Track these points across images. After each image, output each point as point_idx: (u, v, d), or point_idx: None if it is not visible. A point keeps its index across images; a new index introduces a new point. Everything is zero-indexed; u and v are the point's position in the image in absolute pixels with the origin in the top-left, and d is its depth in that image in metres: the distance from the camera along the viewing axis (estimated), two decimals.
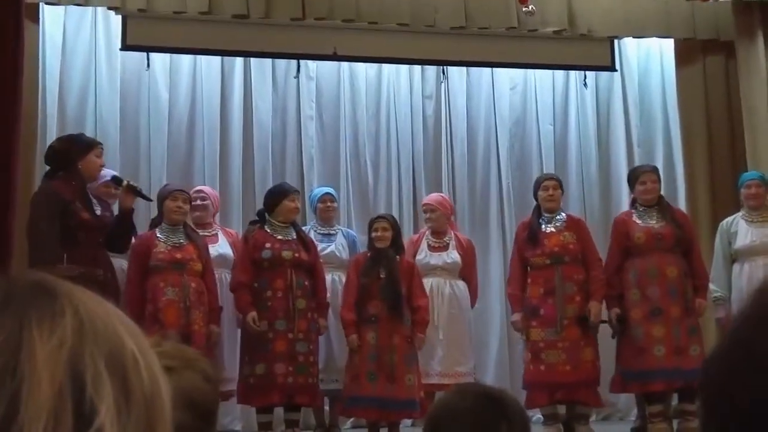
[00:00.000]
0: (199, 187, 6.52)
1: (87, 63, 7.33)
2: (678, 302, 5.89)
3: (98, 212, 5.05)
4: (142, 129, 7.45)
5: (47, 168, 5.21)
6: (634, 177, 6.28)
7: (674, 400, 6.27)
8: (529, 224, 6.19)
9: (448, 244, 6.41)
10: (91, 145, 5.18)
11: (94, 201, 5.11)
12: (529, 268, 6.12)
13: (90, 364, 0.61)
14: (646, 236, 5.99)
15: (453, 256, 6.35)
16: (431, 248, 6.38)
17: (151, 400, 0.63)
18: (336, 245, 6.44)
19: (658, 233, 5.99)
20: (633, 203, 6.29)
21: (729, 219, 6.40)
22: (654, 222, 6.06)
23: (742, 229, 6.26)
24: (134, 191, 5.28)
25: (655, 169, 6.43)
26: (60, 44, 7.24)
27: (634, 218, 6.10)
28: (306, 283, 5.89)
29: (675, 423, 5.94)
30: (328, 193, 6.68)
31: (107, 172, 5.68)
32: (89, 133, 6.90)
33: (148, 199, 5.72)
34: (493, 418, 1.55)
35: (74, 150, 5.05)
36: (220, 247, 6.18)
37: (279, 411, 5.95)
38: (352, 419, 6.65)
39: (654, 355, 5.81)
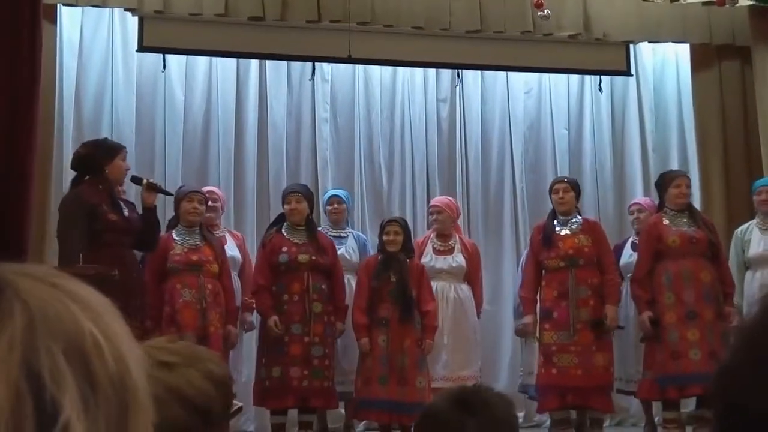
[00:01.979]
0: (210, 188, 6.52)
1: (104, 64, 7.36)
2: (711, 307, 5.85)
3: (125, 214, 5.10)
4: (158, 130, 7.48)
5: (74, 174, 5.26)
6: (666, 181, 6.23)
7: (686, 406, 6.25)
8: (544, 227, 6.19)
9: (453, 247, 6.40)
10: (116, 149, 5.24)
11: (121, 203, 5.16)
12: (543, 270, 6.11)
13: (46, 359, 0.58)
14: (681, 240, 5.95)
15: (458, 259, 6.34)
16: (436, 251, 6.36)
17: (119, 381, 0.60)
18: (347, 248, 6.44)
19: (693, 237, 5.96)
20: (660, 207, 6.23)
21: (743, 226, 6.39)
22: (686, 226, 6.02)
23: (755, 237, 6.24)
24: (155, 188, 5.34)
25: (687, 174, 6.43)
26: (77, 45, 7.28)
27: (665, 222, 6.05)
28: (323, 286, 5.90)
29: (689, 429, 5.91)
30: (335, 195, 6.68)
31: None
32: (105, 134, 6.94)
33: (169, 194, 5.76)
34: (459, 417, 1.58)
35: (100, 155, 5.11)
36: (229, 248, 6.18)
37: (293, 412, 5.96)
38: (364, 422, 6.64)
39: (691, 359, 5.75)
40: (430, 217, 6.57)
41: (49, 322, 0.60)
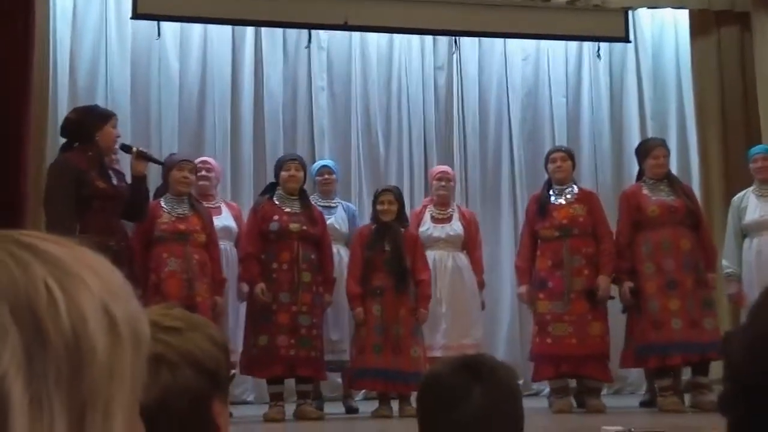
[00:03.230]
0: (204, 158, 6.48)
1: (98, 32, 7.30)
2: (691, 275, 5.86)
3: (114, 182, 5.05)
4: (153, 99, 7.43)
5: (64, 140, 5.20)
6: (644, 150, 6.23)
7: (685, 373, 6.26)
8: (539, 197, 6.18)
9: (451, 215, 6.38)
10: (107, 116, 5.17)
11: (111, 172, 5.11)
12: (539, 240, 6.11)
13: None
14: (660, 209, 5.95)
15: (456, 227, 6.32)
16: (434, 220, 6.34)
17: (74, 340, 0.59)
18: (336, 218, 6.39)
19: (672, 206, 5.96)
20: (640, 176, 6.23)
21: (740, 194, 6.36)
22: (665, 195, 6.02)
23: (751, 204, 6.22)
24: (145, 157, 5.27)
25: (665, 143, 6.40)
26: (71, 13, 7.21)
27: (644, 191, 6.05)
28: (312, 256, 5.87)
29: (687, 396, 5.93)
30: (325, 166, 6.63)
31: None
32: (100, 102, 6.89)
33: (160, 163, 5.68)
34: (465, 382, 1.58)
35: (90, 121, 5.05)
36: (224, 219, 6.14)
37: (291, 382, 5.96)
38: (363, 391, 6.66)
39: (672, 329, 5.77)
40: (438, 182, 6.44)
41: None
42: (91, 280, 0.63)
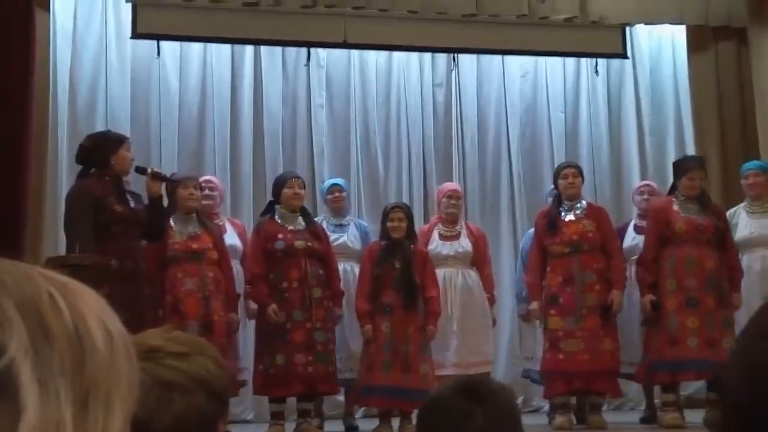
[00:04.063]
0: (207, 177, 6.49)
1: (97, 51, 7.32)
2: (713, 294, 5.82)
3: (132, 205, 5.10)
4: (153, 118, 7.45)
5: (79, 167, 5.25)
6: (682, 170, 6.15)
7: (685, 389, 6.25)
8: (548, 212, 6.17)
9: (459, 233, 6.37)
10: (120, 140, 5.24)
11: (128, 195, 5.15)
12: (549, 256, 6.09)
13: None
14: (687, 227, 5.92)
15: (464, 244, 6.31)
16: (443, 237, 6.33)
17: (76, 337, 0.63)
18: (348, 236, 6.41)
19: (700, 225, 5.93)
20: (672, 190, 6.21)
21: (732, 210, 6.36)
22: (695, 213, 5.99)
23: (742, 221, 6.22)
24: (160, 177, 5.31)
25: (703, 164, 6.31)
26: (71, 33, 7.24)
27: (675, 207, 6.01)
28: (320, 272, 5.87)
29: (703, 411, 5.88)
30: (336, 184, 6.63)
31: None
32: (100, 121, 6.94)
33: (174, 182, 5.70)
34: (467, 405, 1.58)
35: (105, 147, 5.12)
36: (229, 237, 6.14)
37: (291, 400, 5.95)
38: (363, 408, 6.64)
39: (687, 346, 5.75)
40: (447, 200, 6.38)
41: (4, 282, 0.63)
42: (88, 298, 0.67)
